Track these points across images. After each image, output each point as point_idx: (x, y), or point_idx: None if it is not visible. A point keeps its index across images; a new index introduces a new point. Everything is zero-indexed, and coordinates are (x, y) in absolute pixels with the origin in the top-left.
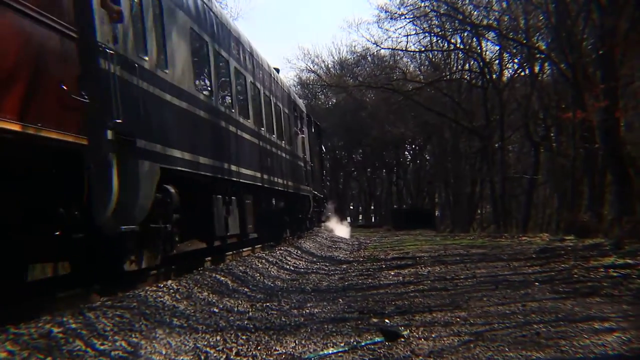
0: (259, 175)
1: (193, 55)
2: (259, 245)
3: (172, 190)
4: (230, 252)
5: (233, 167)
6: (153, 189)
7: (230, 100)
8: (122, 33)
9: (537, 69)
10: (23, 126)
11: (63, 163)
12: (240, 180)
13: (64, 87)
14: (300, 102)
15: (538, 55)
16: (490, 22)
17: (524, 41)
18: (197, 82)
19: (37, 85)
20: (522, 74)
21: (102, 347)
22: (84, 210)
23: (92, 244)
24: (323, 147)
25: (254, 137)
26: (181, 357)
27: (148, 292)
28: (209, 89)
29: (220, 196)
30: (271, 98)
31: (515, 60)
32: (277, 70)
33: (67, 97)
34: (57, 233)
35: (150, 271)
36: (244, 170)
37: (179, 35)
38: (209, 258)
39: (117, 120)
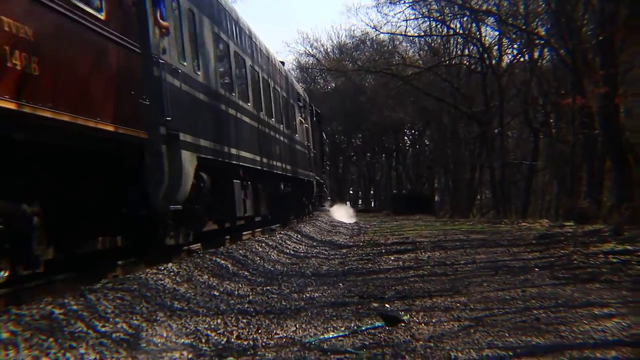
0: (272, 162)
1: (216, 56)
2: (259, 229)
3: (205, 176)
4: (249, 231)
5: (250, 156)
6: (192, 175)
7: (253, 99)
8: (168, 44)
9: (536, 54)
10: (107, 123)
11: (130, 154)
12: (256, 167)
13: (132, 93)
14: (304, 93)
15: (537, 41)
16: (490, 7)
17: (524, 27)
18: (220, 80)
19: (119, 92)
20: (522, 59)
21: (103, 329)
22: (143, 192)
23: (145, 221)
24: (323, 134)
25: (267, 128)
26: (182, 340)
27: (148, 275)
28: (231, 86)
29: (239, 181)
30: (282, 93)
31: (515, 46)
32: (283, 64)
33: (135, 101)
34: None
35: (183, 246)
36: (258, 158)
37: (206, 39)
38: (228, 237)
39: (167, 118)
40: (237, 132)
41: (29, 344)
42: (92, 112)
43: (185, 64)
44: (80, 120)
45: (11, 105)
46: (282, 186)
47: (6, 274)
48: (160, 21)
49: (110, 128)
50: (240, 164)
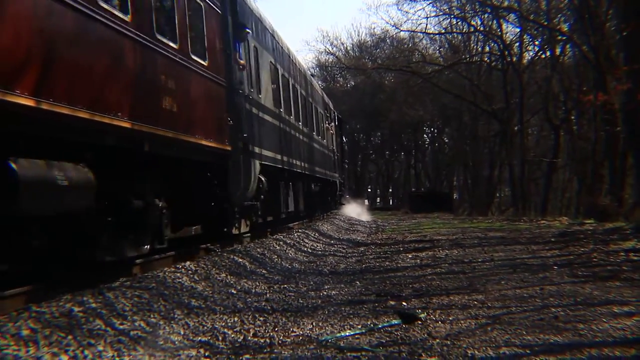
0: (306, 166)
1: (272, 81)
2: (297, 222)
3: (263, 179)
4: (296, 222)
5: (292, 161)
6: (256, 178)
7: (295, 112)
8: (244, 76)
9: (558, 51)
10: (206, 139)
11: (219, 162)
12: (296, 171)
13: (224, 115)
14: (329, 101)
15: (559, 37)
16: (511, 3)
17: (546, 23)
18: (273, 100)
19: (212, 115)
20: (543, 56)
21: (121, 327)
22: (225, 191)
23: (221, 213)
24: (343, 137)
25: (304, 137)
26: (199, 338)
27: (166, 273)
28: (280, 104)
29: (283, 182)
30: (314, 105)
31: (536, 43)
32: (313, 76)
33: (223, 121)
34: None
35: (243, 235)
36: (297, 163)
37: (264, 68)
38: (269, 229)
39: (244, 135)
40: (285, 142)
41: (49, 341)
42: (210, 133)
43: (252, 90)
44: (201, 139)
45: (184, 137)
46: (313, 186)
47: (148, 247)
48: (239, 60)
49: (212, 144)
50: (285, 167)
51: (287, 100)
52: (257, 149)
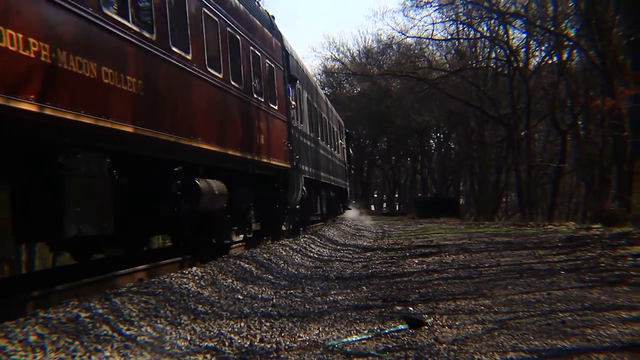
0: (328, 177)
1: (308, 112)
2: (321, 223)
3: (305, 189)
4: (320, 223)
5: (320, 173)
6: (301, 188)
7: (320, 133)
8: (294, 113)
9: (565, 56)
10: (276, 160)
11: (282, 176)
12: (322, 181)
13: (285, 142)
14: (340, 119)
15: (566, 43)
16: (518, 9)
17: (552, 28)
18: (314, 130)
19: (280, 143)
20: (550, 61)
21: (128, 332)
22: (284, 197)
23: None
24: (350, 149)
25: (326, 152)
26: (205, 343)
27: (173, 279)
28: (312, 128)
29: (313, 190)
30: (331, 124)
31: (543, 48)
32: (328, 96)
33: (286, 147)
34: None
35: (284, 232)
36: (324, 174)
37: (305, 104)
38: (301, 228)
39: (297, 156)
40: (316, 159)
41: (56, 347)
42: (279, 156)
43: (298, 122)
44: (274, 161)
45: (265, 159)
46: (331, 193)
47: (242, 236)
48: (291, 101)
49: (279, 164)
50: (316, 179)
51: (316, 125)
52: (302, 166)
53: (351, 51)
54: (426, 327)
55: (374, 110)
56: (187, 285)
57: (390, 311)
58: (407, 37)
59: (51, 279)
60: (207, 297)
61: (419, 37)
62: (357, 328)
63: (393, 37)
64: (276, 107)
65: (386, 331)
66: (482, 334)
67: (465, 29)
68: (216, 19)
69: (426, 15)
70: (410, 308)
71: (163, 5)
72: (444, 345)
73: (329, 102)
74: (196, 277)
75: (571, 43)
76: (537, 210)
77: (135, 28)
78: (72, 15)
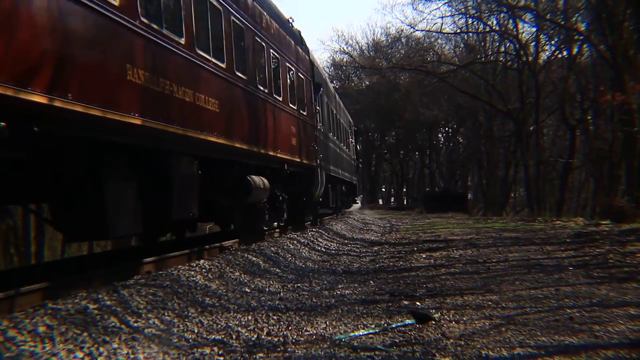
0: (342, 172)
1: (327, 115)
2: (290, 227)
3: (327, 185)
4: (332, 215)
5: (336, 170)
6: (324, 184)
7: (336, 133)
8: (318, 117)
9: (575, 50)
10: (305, 160)
11: (308, 173)
12: (339, 177)
13: (312, 144)
14: (350, 118)
15: (577, 37)
16: (528, 2)
17: (563, 22)
18: (331, 131)
19: (309, 144)
20: (560, 56)
21: (135, 325)
22: (309, 192)
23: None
24: (358, 146)
25: (340, 150)
26: (213, 336)
27: (180, 271)
28: (330, 129)
29: (330, 185)
30: (344, 123)
31: (553, 42)
32: (337, 89)
33: (312, 147)
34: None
35: (307, 221)
36: (339, 171)
37: (325, 107)
38: (318, 219)
39: (320, 155)
40: (334, 156)
41: (64, 338)
42: (308, 156)
43: (321, 125)
44: (304, 160)
45: (297, 159)
46: (343, 187)
47: (276, 224)
48: (316, 107)
49: (308, 162)
50: (333, 175)
51: (332, 125)
52: (324, 164)
53: (360, 44)
54: (433, 322)
55: (382, 103)
56: (194, 278)
57: (398, 306)
58: (416, 30)
59: (60, 270)
60: (214, 290)
61: (428, 31)
62: (364, 322)
63: (402, 31)
64: (306, 113)
65: (393, 326)
66: (489, 330)
67: (475, 22)
68: (266, 46)
69: (435, 9)
70: (418, 303)
71: (229, 40)
72: (451, 340)
73: (341, 102)
74: (204, 270)
75: (581, 37)
76: (545, 205)
77: (213, 60)
78: (185, 60)
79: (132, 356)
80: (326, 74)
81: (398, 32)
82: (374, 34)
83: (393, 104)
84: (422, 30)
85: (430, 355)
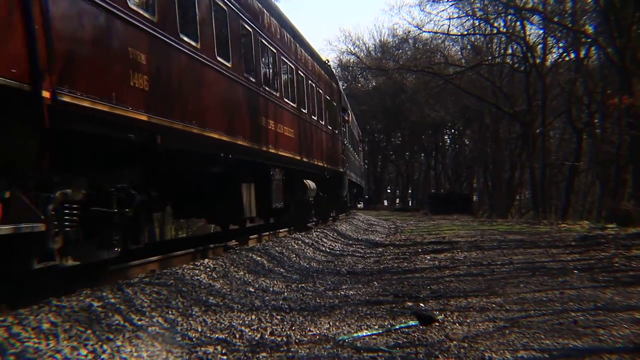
0: (358, 178)
1: (348, 133)
2: (293, 227)
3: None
4: (344, 214)
5: (352, 175)
6: (347, 186)
7: (354, 146)
8: (344, 132)
9: (583, 53)
10: (336, 167)
11: (337, 177)
12: (353, 181)
13: (340, 154)
14: (359, 130)
15: (584, 40)
16: (535, 5)
17: (570, 25)
18: (350, 142)
19: (337, 154)
20: (567, 58)
21: (139, 323)
22: (337, 193)
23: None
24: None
25: (355, 159)
26: (216, 335)
27: (185, 270)
28: (349, 141)
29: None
30: (356, 135)
31: (560, 44)
32: (344, 90)
33: (340, 157)
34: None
35: (329, 218)
36: (354, 176)
37: (347, 127)
38: (333, 216)
39: (346, 164)
40: (352, 164)
41: (69, 335)
42: (338, 164)
43: (345, 139)
44: (336, 168)
45: (333, 167)
46: (355, 189)
47: (315, 220)
48: (342, 126)
49: (337, 169)
50: (351, 180)
51: (350, 137)
52: (347, 171)
53: (367, 45)
54: (437, 324)
55: (388, 104)
56: (199, 277)
57: (401, 307)
58: (423, 31)
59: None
60: (218, 289)
61: (435, 32)
62: (367, 323)
63: (409, 32)
64: (337, 132)
65: (397, 327)
66: (493, 332)
67: (482, 24)
68: (316, 87)
69: (442, 10)
70: (421, 304)
71: (300, 87)
72: (455, 342)
73: (352, 115)
74: (208, 269)
75: (589, 40)
76: (550, 208)
77: (290, 103)
78: (276, 104)
79: (135, 354)
80: (344, 95)
81: (405, 34)
82: (381, 35)
83: (399, 105)
84: (429, 32)
85: (434, 357)
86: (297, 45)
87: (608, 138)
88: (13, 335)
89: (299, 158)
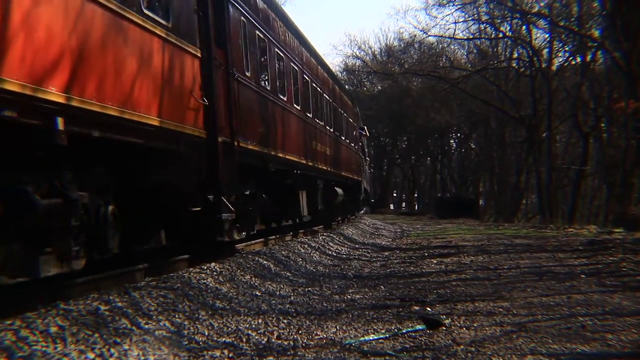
0: (365, 182)
1: (364, 145)
2: (302, 230)
3: (364, 191)
4: (354, 215)
5: (364, 182)
6: (363, 191)
7: (364, 154)
8: (360, 146)
9: (589, 57)
10: (356, 177)
11: (355, 184)
12: (365, 187)
13: (359, 166)
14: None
15: (590, 44)
16: (541, 8)
17: (577, 29)
18: (362, 152)
19: (356, 165)
20: (573, 62)
21: (146, 326)
22: (355, 198)
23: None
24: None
25: (366, 167)
26: (223, 339)
27: (191, 274)
28: (362, 154)
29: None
30: (365, 148)
31: (566, 48)
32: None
33: (359, 168)
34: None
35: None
36: (365, 183)
37: (363, 141)
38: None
39: (362, 173)
40: (365, 172)
41: (76, 339)
42: (358, 174)
43: (361, 153)
44: (356, 177)
45: (356, 177)
46: (363, 194)
47: (339, 219)
48: (359, 142)
49: (355, 177)
50: (363, 186)
51: (363, 151)
52: (362, 180)
53: (372, 49)
54: (444, 328)
55: (394, 108)
56: (205, 281)
57: (408, 311)
58: (429, 35)
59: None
60: (225, 293)
61: (441, 36)
62: (374, 327)
63: (415, 36)
64: (356, 147)
65: (403, 331)
66: (500, 336)
67: (488, 28)
68: (345, 114)
69: (448, 14)
70: (428, 308)
71: (336, 117)
72: (462, 346)
73: (367, 131)
74: (215, 273)
75: (595, 44)
76: (557, 212)
77: (330, 129)
78: (321, 131)
79: (142, 358)
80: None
81: (411, 37)
82: (386, 39)
83: (405, 109)
84: (435, 36)
85: None
86: (333, 82)
87: (615, 142)
88: (21, 338)
89: (333, 170)
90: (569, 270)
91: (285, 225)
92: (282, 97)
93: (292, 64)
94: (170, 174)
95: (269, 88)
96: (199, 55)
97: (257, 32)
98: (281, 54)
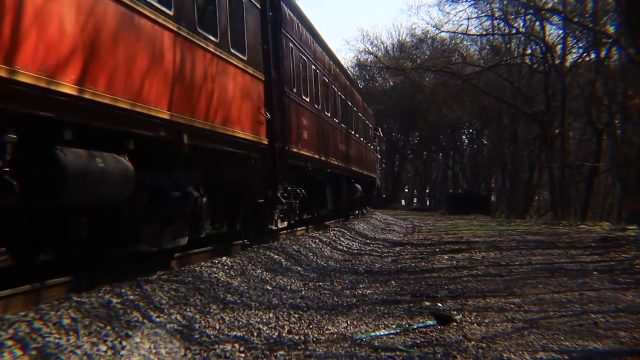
0: (381, 183)
1: (380, 150)
2: (312, 226)
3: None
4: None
5: (376, 178)
6: (378, 188)
7: (376, 151)
8: (375, 146)
9: (603, 53)
10: (372, 174)
11: (371, 181)
12: (378, 184)
13: (375, 164)
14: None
15: (605, 40)
16: (555, 4)
17: (591, 25)
18: (376, 152)
19: (372, 163)
20: (587, 58)
21: (158, 320)
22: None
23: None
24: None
25: (378, 164)
26: (234, 333)
27: (203, 268)
28: (378, 152)
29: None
30: (377, 147)
31: (580, 45)
32: (361, 89)
33: (374, 166)
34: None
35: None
36: (377, 179)
37: (376, 141)
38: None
39: (377, 171)
40: (382, 173)
41: (88, 331)
42: (373, 171)
43: (379, 156)
44: (372, 174)
45: (372, 174)
46: (376, 190)
47: (357, 212)
48: (378, 135)
49: (374, 175)
50: (378, 185)
51: (375, 150)
52: (377, 176)
53: (385, 44)
54: (455, 324)
55: (406, 104)
56: (216, 275)
57: (419, 307)
58: (442, 31)
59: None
60: (236, 287)
61: (454, 32)
62: (385, 322)
63: (427, 32)
64: (372, 147)
65: (414, 326)
66: (511, 333)
67: (501, 24)
68: (364, 119)
69: (461, 10)
70: (439, 304)
71: (359, 123)
72: (473, 342)
73: (380, 132)
74: (226, 267)
75: (610, 40)
76: (570, 209)
77: (356, 134)
78: (353, 139)
79: (154, 351)
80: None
81: (423, 33)
82: (399, 35)
83: (417, 105)
84: (447, 32)
85: (452, 357)
86: (356, 92)
87: (628, 139)
88: (34, 330)
89: (355, 169)
90: (581, 267)
91: (310, 217)
92: (316, 105)
93: (324, 77)
94: (243, 174)
95: (307, 100)
96: (263, 79)
97: (301, 54)
98: (317, 70)
